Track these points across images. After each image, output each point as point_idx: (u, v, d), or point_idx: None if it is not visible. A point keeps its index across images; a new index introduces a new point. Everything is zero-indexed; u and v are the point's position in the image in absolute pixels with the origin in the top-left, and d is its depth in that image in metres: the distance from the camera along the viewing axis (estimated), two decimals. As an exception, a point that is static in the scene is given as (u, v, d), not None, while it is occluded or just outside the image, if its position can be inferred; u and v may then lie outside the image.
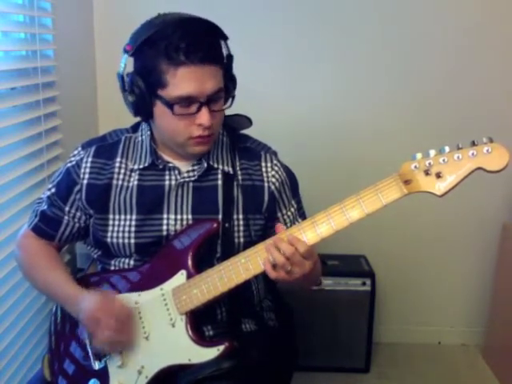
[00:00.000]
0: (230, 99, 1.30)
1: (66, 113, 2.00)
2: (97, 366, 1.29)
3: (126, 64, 1.24)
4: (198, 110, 1.19)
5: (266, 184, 1.34)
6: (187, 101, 1.18)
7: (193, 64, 1.16)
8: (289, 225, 1.36)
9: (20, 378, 1.66)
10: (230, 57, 1.29)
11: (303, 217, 1.39)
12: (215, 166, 1.32)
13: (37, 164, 1.80)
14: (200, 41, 1.17)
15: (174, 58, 1.15)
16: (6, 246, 1.57)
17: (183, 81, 1.17)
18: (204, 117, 1.19)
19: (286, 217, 1.37)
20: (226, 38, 1.27)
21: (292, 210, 1.38)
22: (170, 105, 1.19)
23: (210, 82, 1.18)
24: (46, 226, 1.38)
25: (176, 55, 1.15)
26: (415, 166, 1.11)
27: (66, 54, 2.02)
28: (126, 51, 1.22)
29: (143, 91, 1.21)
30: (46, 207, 1.38)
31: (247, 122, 1.43)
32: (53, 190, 1.37)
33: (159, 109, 1.22)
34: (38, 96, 1.80)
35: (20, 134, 1.70)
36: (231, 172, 1.32)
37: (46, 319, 1.80)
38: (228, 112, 1.35)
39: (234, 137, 1.39)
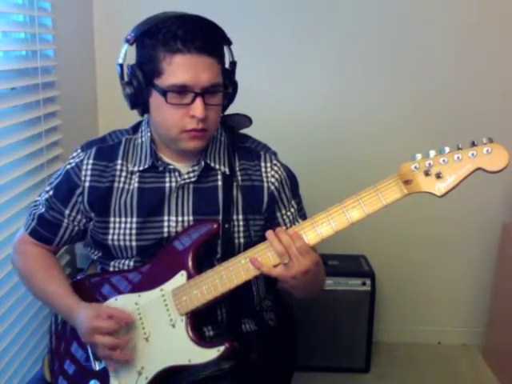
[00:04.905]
0: (228, 99, 1.30)
1: (66, 113, 2.00)
2: (97, 366, 1.29)
3: (127, 54, 1.24)
4: (193, 101, 1.18)
5: (265, 184, 1.34)
6: (182, 90, 1.18)
7: (189, 52, 1.16)
8: (289, 225, 1.35)
9: (20, 378, 1.66)
10: (233, 63, 1.30)
11: (303, 217, 1.38)
12: (212, 165, 1.31)
13: (37, 164, 1.80)
14: (199, 31, 1.18)
15: (170, 45, 1.16)
16: (6, 245, 1.57)
17: (179, 69, 1.17)
18: (198, 108, 1.18)
19: (285, 217, 1.37)
20: (229, 42, 1.28)
21: (292, 210, 1.37)
22: (163, 92, 1.18)
23: (205, 73, 1.18)
24: (44, 230, 1.37)
25: (173, 43, 1.16)
26: (415, 167, 1.11)
27: (65, 54, 2.02)
28: (126, 40, 1.23)
29: (140, 81, 1.21)
30: (43, 210, 1.37)
31: (247, 121, 1.42)
32: (51, 193, 1.36)
33: (155, 99, 1.22)
34: (38, 96, 1.80)
35: (20, 133, 1.71)
36: (227, 172, 1.32)
37: (46, 319, 1.80)
38: (228, 111, 1.36)
39: (233, 136, 1.39)
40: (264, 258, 1.18)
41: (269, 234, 1.18)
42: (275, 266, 1.17)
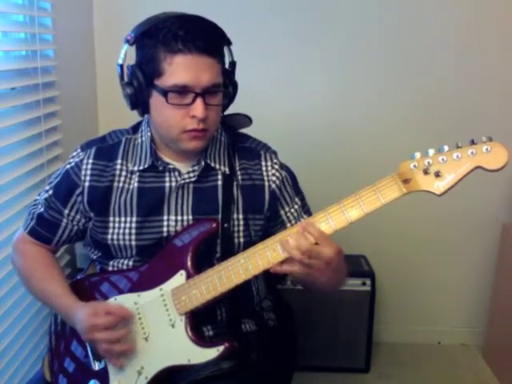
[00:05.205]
0: (228, 99, 1.30)
1: (66, 113, 2.00)
2: (97, 366, 1.29)
3: (127, 54, 1.24)
4: (193, 101, 1.18)
5: (266, 183, 1.34)
6: (182, 90, 1.18)
7: (190, 53, 1.16)
8: (293, 222, 1.35)
9: (20, 378, 1.66)
10: (232, 63, 1.30)
11: (308, 213, 1.38)
12: (212, 165, 1.31)
13: (37, 164, 1.81)
14: (199, 31, 1.18)
15: (171, 45, 1.16)
16: (6, 245, 1.57)
17: (179, 69, 1.17)
18: (198, 108, 1.18)
19: (289, 214, 1.36)
20: (229, 43, 1.28)
21: (296, 206, 1.37)
22: (164, 92, 1.18)
23: (206, 73, 1.18)
24: (43, 230, 1.37)
25: (174, 43, 1.16)
26: (414, 165, 1.11)
27: (65, 54, 2.02)
28: (126, 41, 1.22)
29: (141, 82, 1.21)
30: (42, 210, 1.37)
31: (247, 120, 1.42)
32: (50, 192, 1.36)
33: (155, 100, 1.22)
34: (38, 96, 1.80)
35: (20, 133, 1.71)
36: (228, 172, 1.32)
37: (45, 319, 1.80)
38: (228, 111, 1.36)
39: (233, 136, 1.39)
40: (263, 257, 1.17)
41: (283, 247, 1.15)
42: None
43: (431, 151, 1.10)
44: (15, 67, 1.72)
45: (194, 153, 1.30)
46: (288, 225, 1.34)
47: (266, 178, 1.34)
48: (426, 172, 1.10)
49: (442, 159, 1.09)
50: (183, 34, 1.16)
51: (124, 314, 1.22)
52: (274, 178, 1.34)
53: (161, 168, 1.31)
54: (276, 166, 1.35)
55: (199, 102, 1.18)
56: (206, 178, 1.32)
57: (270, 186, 1.34)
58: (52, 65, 1.92)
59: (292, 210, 1.36)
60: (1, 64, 1.68)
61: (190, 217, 1.30)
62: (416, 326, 2.67)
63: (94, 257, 1.39)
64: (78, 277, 1.42)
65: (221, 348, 1.20)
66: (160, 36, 1.17)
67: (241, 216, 1.32)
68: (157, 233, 1.30)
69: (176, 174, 1.31)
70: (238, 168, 1.34)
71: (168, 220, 1.30)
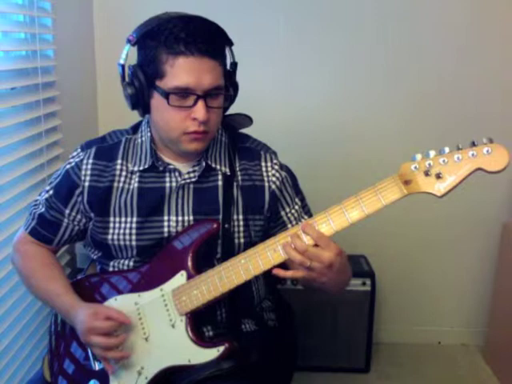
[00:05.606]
0: (229, 101, 1.30)
1: (66, 113, 2.00)
2: (97, 366, 1.29)
3: (128, 55, 1.24)
4: (195, 103, 1.18)
5: (266, 184, 1.34)
6: (184, 92, 1.18)
7: (192, 55, 1.16)
8: (294, 223, 1.35)
9: (20, 378, 1.67)
10: (234, 64, 1.30)
11: (308, 213, 1.38)
12: (213, 165, 1.31)
13: (37, 164, 1.81)
14: (201, 34, 1.17)
15: (173, 47, 1.16)
16: (6, 246, 1.57)
17: (181, 71, 1.16)
18: (200, 111, 1.18)
19: (290, 215, 1.36)
20: (231, 43, 1.27)
21: (296, 207, 1.37)
22: (166, 94, 1.18)
23: (208, 75, 1.18)
24: (44, 230, 1.37)
25: (176, 45, 1.15)
26: (415, 167, 1.11)
27: (65, 54, 2.02)
28: (128, 41, 1.22)
29: (142, 83, 1.21)
30: (43, 210, 1.36)
31: (248, 120, 1.42)
32: (51, 192, 1.36)
33: (156, 101, 1.22)
34: (38, 96, 1.80)
35: (20, 134, 1.71)
36: (228, 173, 1.32)
37: (46, 319, 1.80)
38: (228, 111, 1.36)
39: (233, 136, 1.39)
40: (263, 258, 1.17)
41: (283, 249, 1.15)
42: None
43: (432, 153, 1.10)
44: (15, 67, 1.72)
45: (195, 153, 1.30)
46: (289, 225, 1.34)
47: (266, 179, 1.34)
48: (426, 174, 1.10)
49: (443, 161, 1.09)
50: (185, 36, 1.15)
51: (123, 321, 1.22)
52: (273, 179, 1.34)
53: (161, 168, 1.31)
54: (276, 167, 1.35)
55: (200, 104, 1.18)
56: (206, 178, 1.32)
57: (270, 186, 1.34)
58: (52, 65, 1.92)
59: (293, 211, 1.36)
60: (1, 64, 1.68)
61: (191, 217, 1.30)
62: (416, 326, 2.67)
63: (95, 257, 1.39)
64: (78, 277, 1.42)
65: (221, 348, 1.20)
66: (162, 37, 1.17)
67: (241, 217, 1.32)
68: (157, 233, 1.30)
69: (176, 174, 1.31)
70: (238, 168, 1.34)
71: (169, 220, 1.30)
